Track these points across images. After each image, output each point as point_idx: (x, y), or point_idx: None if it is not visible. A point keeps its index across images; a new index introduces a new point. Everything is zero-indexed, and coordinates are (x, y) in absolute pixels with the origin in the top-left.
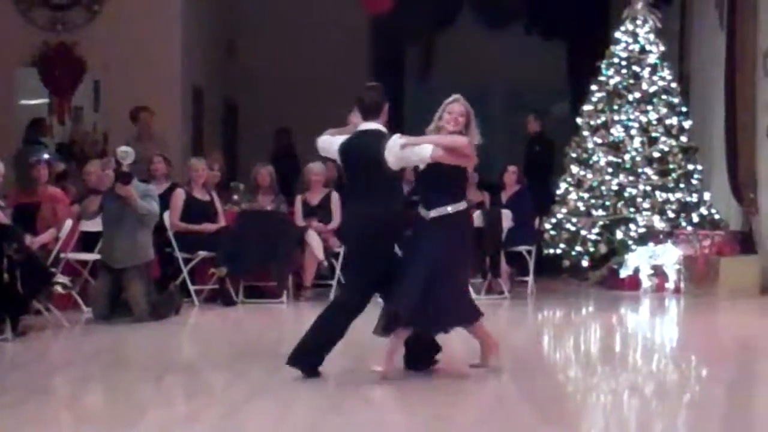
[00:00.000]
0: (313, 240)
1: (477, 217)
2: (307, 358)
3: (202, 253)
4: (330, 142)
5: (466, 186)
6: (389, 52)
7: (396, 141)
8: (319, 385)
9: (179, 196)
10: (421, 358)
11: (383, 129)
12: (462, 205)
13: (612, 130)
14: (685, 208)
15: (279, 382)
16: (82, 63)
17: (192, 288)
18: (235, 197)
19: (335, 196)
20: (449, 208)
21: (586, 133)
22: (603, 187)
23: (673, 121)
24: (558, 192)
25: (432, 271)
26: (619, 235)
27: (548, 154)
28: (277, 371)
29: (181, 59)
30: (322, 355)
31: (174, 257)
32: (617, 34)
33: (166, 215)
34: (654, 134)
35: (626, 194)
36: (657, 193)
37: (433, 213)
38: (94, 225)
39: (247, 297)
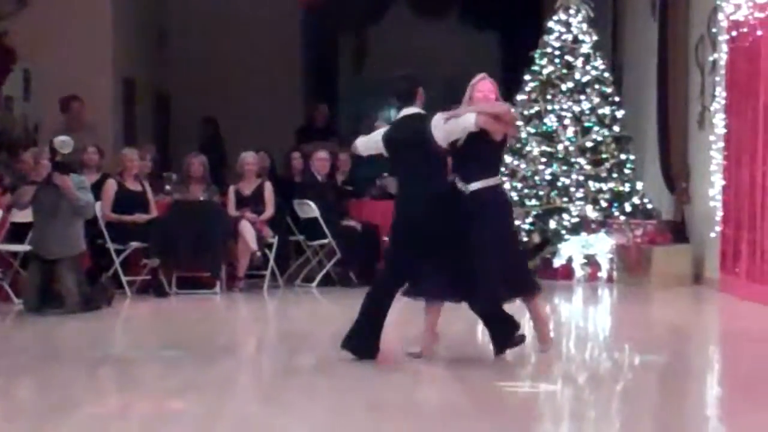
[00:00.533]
0: (246, 230)
1: None
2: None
3: (134, 244)
4: (369, 139)
5: (501, 160)
6: (322, 43)
7: (440, 117)
8: (253, 377)
9: (111, 186)
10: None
11: (422, 111)
12: (498, 179)
13: (545, 120)
14: (617, 197)
15: (213, 374)
16: (11, 52)
17: (124, 279)
18: (168, 187)
19: (268, 186)
20: (490, 182)
21: (519, 122)
22: (536, 177)
23: (606, 110)
24: None
25: (490, 249)
26: (552, 224)
27: None
28: (211, 362)
29: (112, 50)
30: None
31: (106, 248)
32: (550, 24)
33: (98, 206)
34: (587, 124)
35: (559, 184)
36: (590, 182)
37: (473, 186)
38: (24, 216)
39: (179, 288)
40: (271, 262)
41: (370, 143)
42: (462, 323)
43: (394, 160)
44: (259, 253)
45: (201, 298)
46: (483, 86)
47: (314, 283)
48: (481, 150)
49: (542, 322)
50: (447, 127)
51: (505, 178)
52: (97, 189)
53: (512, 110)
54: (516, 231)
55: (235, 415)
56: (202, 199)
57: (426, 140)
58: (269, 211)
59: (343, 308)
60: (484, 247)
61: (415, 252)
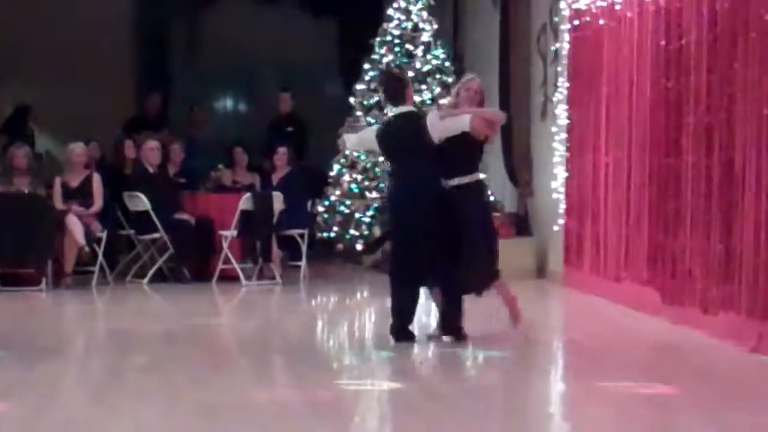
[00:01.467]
0: (74, 224)
1: (246, 200)
2: (395, 328)
3: None
4: (360, 137)
5: (480, 159)
6: (154, 28)
7: (435, 115)
8: (80, 377)
9: None
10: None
11: (414, 110)
12: (478, 176)
13: (386, 110)
14: None
15: (37, 374)
16: None
17: None
18: None
19: (97, 178)
20: (467, 179)
21: (359, 112)
22: (377, 169)
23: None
24: (331, 173)
25: (463, 237)
26: None
27: (301, 135)
28: (35, 362)
29: None
30: (403, 324)
31: None
32: (390, 11)
33: None
34: None
35: None
36: None
37: (453, 182)
38: None
39: (3, 284)
40: (100, 258)
41: (363, 141)
42: (296, 322)
43: (389, 158)
44: (87, 248)
45: (26, 294)
46: (471, 86)
47: (146, 279)
48: (463, 148)
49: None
50: (442, 126)
51: (344, 170)
52: None
53: (503, 116)
54: (494, 224)
55: (60, 417)
56: (26, 191)
57: (423, 138)
58: (98, 204)
59: (175, 305)
60: (470, 238)
61: (415, 247)
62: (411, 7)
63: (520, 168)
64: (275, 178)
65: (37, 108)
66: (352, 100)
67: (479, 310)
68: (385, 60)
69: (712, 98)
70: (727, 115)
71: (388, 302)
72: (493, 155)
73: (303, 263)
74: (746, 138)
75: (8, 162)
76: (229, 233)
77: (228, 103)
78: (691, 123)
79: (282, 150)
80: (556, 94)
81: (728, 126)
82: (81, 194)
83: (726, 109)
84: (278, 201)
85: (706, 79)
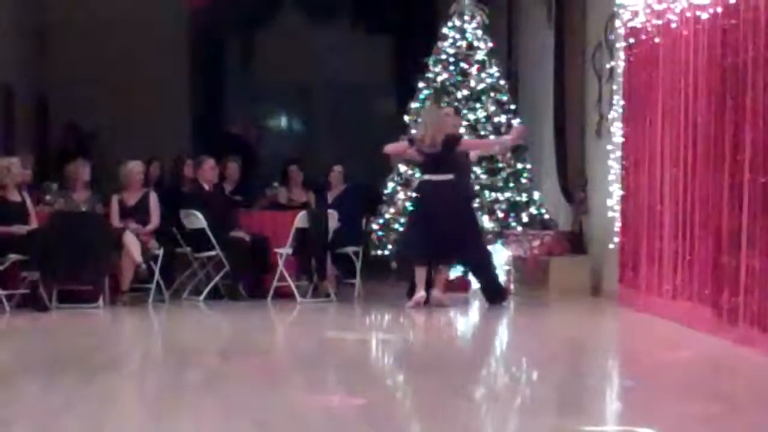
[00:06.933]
0: (130, 242)
1: (302, 218)
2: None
3: (13, 257)
4: None
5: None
6: (209, 46)
7: None
8: (137, 394)
9: None
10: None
11: None
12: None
13: None
14: (514, 207)
15: (94, 391)
16: None
17: (2, 293)
18: (48, 197)
19: (153, 196)
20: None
21: (414, 131)
22: None
23: (502, 119)
24: (386, 191)
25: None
26: None
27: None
28: (92, 379)
29: None
30: None
31: None
32: (444, 30)
33: None
34: (483, 132)
35: None
36: (486, 192)
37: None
38: None
39: (60, 302)
40: (157, 275)
41: None
42: (350, 339)
43: None
44: (143, 266)
45: (83, 312)
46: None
47: (201, 297)
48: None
49: None
50: None
51: (398, 188)
52: None
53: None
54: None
55: None
56: (84, 209)
57: None
58: (154, 221)
59: (231, 322)
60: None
61: None
62: (466, 26)
63: (575, 186)
64: (330, 196)
65: (97, 128)
66: (406, 118)
67: None
68: (439, 78)
69: None
70: None
71: (444, 315)
72: (548, 173)
73: (357, 281)
74: None
75: (70, 177)
76: (285, 251)
77: (283, 121)
78: (748, 140)
79: (337, 168)
80: (611, 112)
81: None
82: (138, 212)
83: None
84: (333, 219)
85: (763, 96)
